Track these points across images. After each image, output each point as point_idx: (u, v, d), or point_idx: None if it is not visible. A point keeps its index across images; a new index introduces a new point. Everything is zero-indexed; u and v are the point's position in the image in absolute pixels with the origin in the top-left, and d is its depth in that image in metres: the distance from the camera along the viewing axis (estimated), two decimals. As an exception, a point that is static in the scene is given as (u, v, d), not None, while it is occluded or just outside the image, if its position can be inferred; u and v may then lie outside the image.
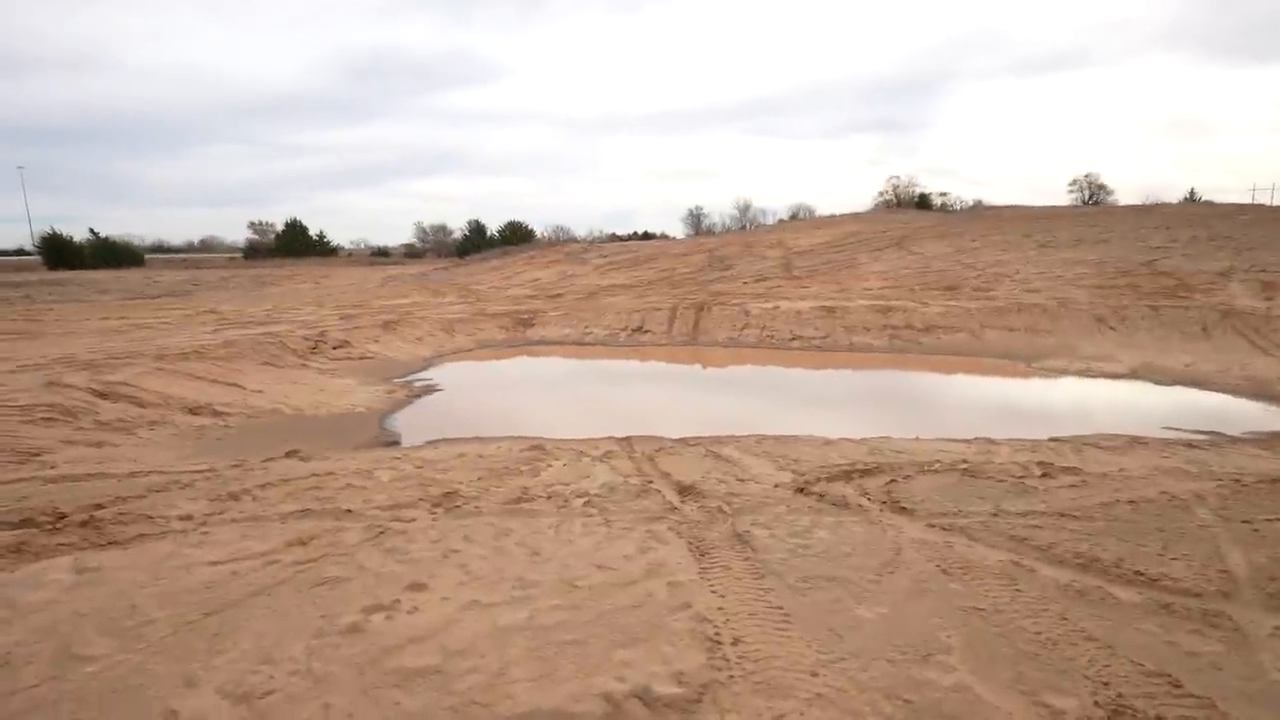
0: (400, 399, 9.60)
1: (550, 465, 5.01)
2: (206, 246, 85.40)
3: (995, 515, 3.60)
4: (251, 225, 62.33)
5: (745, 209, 56.41)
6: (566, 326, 15.25)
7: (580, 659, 2.23)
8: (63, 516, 3.79)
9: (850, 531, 3.41)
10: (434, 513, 3.76)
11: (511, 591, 2.71)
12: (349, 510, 3.76)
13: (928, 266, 18.06)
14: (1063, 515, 3.58)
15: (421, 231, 65.36)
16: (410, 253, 62.19)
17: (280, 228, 59.47)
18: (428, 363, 12.42)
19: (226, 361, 10.60)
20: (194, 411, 8.35)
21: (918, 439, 5.83)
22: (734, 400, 9.99)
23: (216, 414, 8.42)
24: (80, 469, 5.67)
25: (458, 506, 3.86)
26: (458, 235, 59.20)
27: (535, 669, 2.18)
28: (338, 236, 67.02)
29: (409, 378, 11.14)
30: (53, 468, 5.74)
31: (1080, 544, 3.18)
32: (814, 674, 2.17)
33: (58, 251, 45.08)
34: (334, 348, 12.67)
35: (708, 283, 18.76)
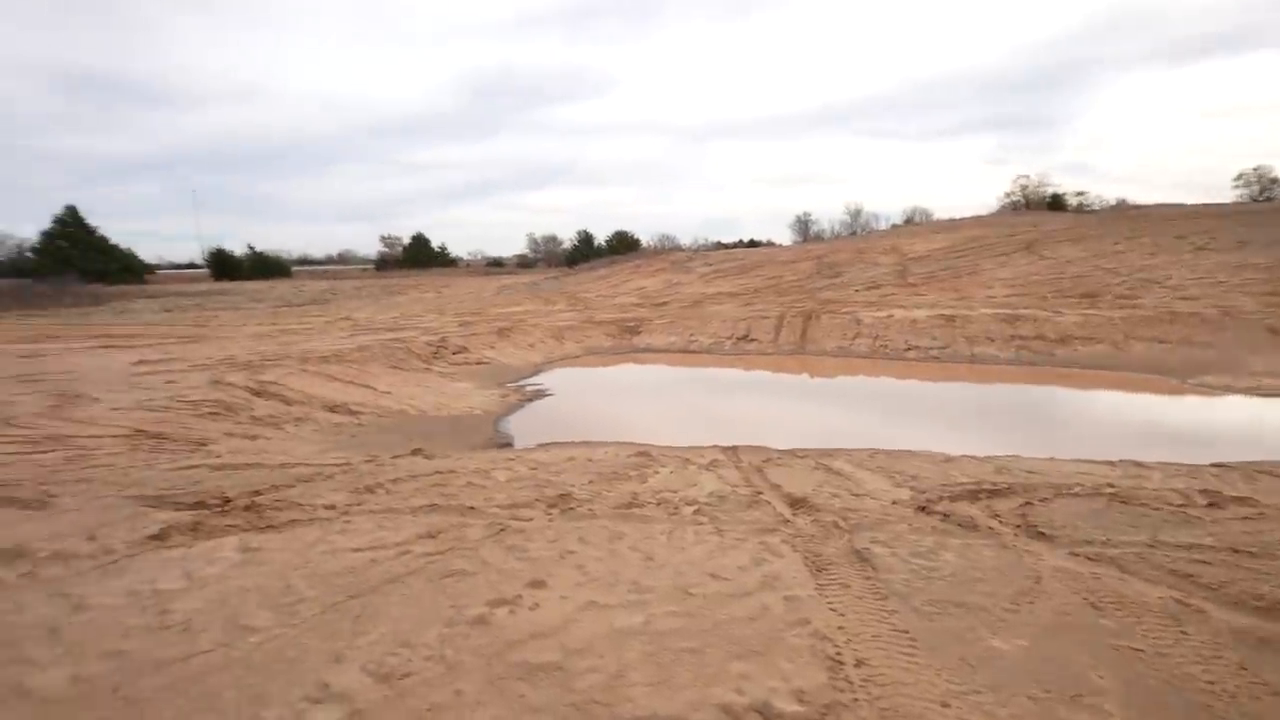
0: (513, 403, 10.02)
1: (657, 472, 5.03)
2: (343, 259, 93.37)
3: (1152, 547, 3.24)
4: (382, 239, 67.57)
5: (856, 214, 54.53)
6: (672, 334, 15.34)
7: (697, 668, 2.22)
8: (228, 501, 4.23)
9: (980, 555, 3.19)
10: (549, 513, 3.87)
11: (627, 595, 2.75)
12: (472, 507, 3.96)
13: (1061, 272, 16.66)
14: (1236, 551, 3.16)
15: (533, 242, 68.13)
16: (523, 263, 64.93)
17: (407, 241, 64.06)
18: (538, 368, 12.88)
19: (360, 365, 11.49)
20: (332, 410, 9.10)
21: (1052, 459, 5.37)
22: (843, 412, 9.64)
23: (351, 413, 9.13)
24: (240, 459, 6.30)
25: (572, 509, 3.96)
26: (567, 245, 61.17)
27: (653, 674, 2.18)
28: (457, 248, 71.19)
29: (521, 382, 11.61)
30: (218, 457, 6.42)
31: (1260, 585, 2.79)
32: (945, 705, 2.04)
33: (222, 264, 50.99)
34: (453, 353, 13.43)
35: (816, 290, 18.26)
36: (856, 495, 4.29)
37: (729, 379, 12.14)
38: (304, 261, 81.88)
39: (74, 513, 3.91)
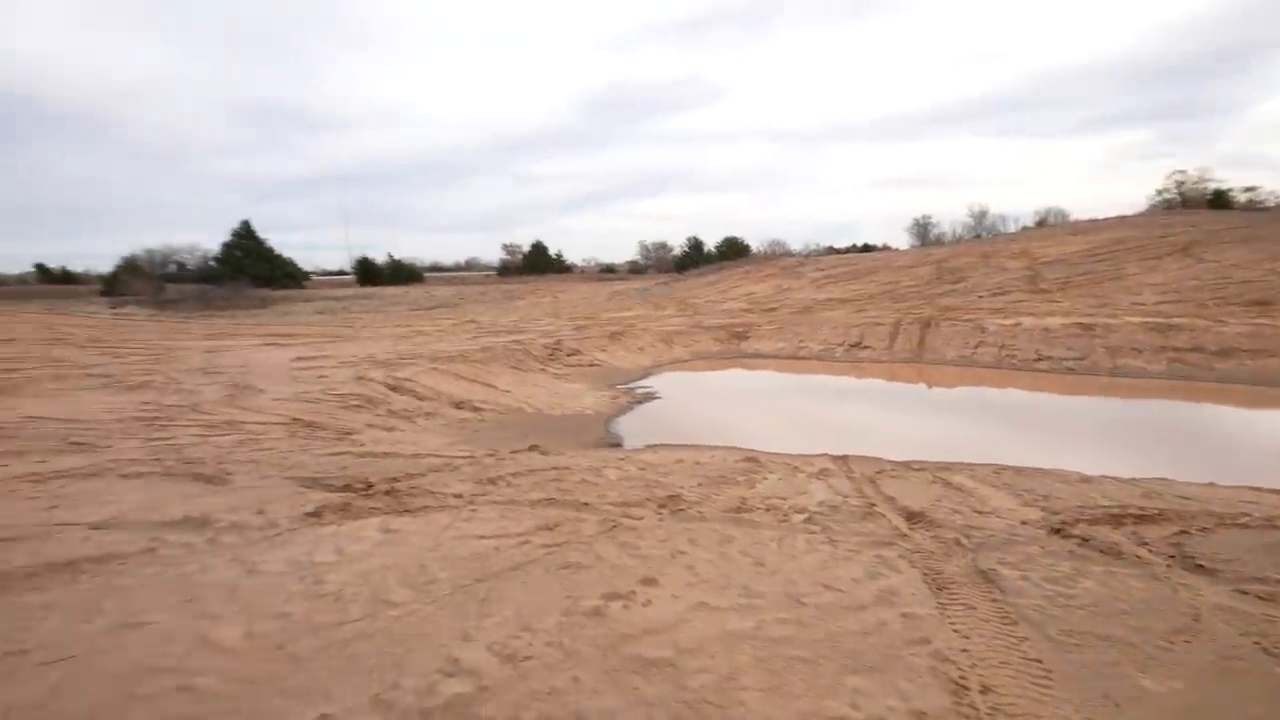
0: (623, 404, 10.20)
1: (765, 478, 4.95)
2: (469, 265, 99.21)
3: (1344, 590, 2.80)
4: (504, 247, 71.06)
5: (981, 216, 50.92)
6: (780, 340, 15.03)
7: (810, 678, 2.17)
8: (371, 485, 4.61)
9: (1126, 586, 2.88)
10: (660, 513, 3.91)
11: (738, 599, 2.72)
12: (586, 503, 4.07)
13: (1226, 277, 14.75)
14: None
15: (644, 249, 69.10)
16: (634, 269, 66.05)
17: (526, 248, 67.04)
18: (647, 371, 13.04)
19: (482, 364, 12.13)
20: (458, 406, 9.67)
21: (1212, 485, 4.76)
22: (963, 424, 9.03)
23: (475, 409, 9.66)
24: (379, 448, 6.83)
25: (682, 510, 3.98)
26: (677, 252, 61.54)
27: (765, 680, 2.15)
28: (572, 255, 73.50)
29: (630, 385, 11.80)
30: (361, 445, 6.99)
31: None
32: (1086, 744, 1.86)
33: (366, 271, 55.67)
34: (568, 355, 13.88)
35: (935, 296, 17.25)
36: (980, 513, 4.01)
37: (839, 386, 11.72)
38: (435, 268, 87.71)
39: (246, 489, 4.41)
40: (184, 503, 4.00)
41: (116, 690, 2.14)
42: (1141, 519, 3.83)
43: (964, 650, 2.35)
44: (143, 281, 37.92)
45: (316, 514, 3.78)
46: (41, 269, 63.26)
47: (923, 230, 53.02)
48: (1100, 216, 29.24)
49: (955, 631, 2.48)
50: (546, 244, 66.80)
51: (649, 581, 2.87)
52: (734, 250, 49.67)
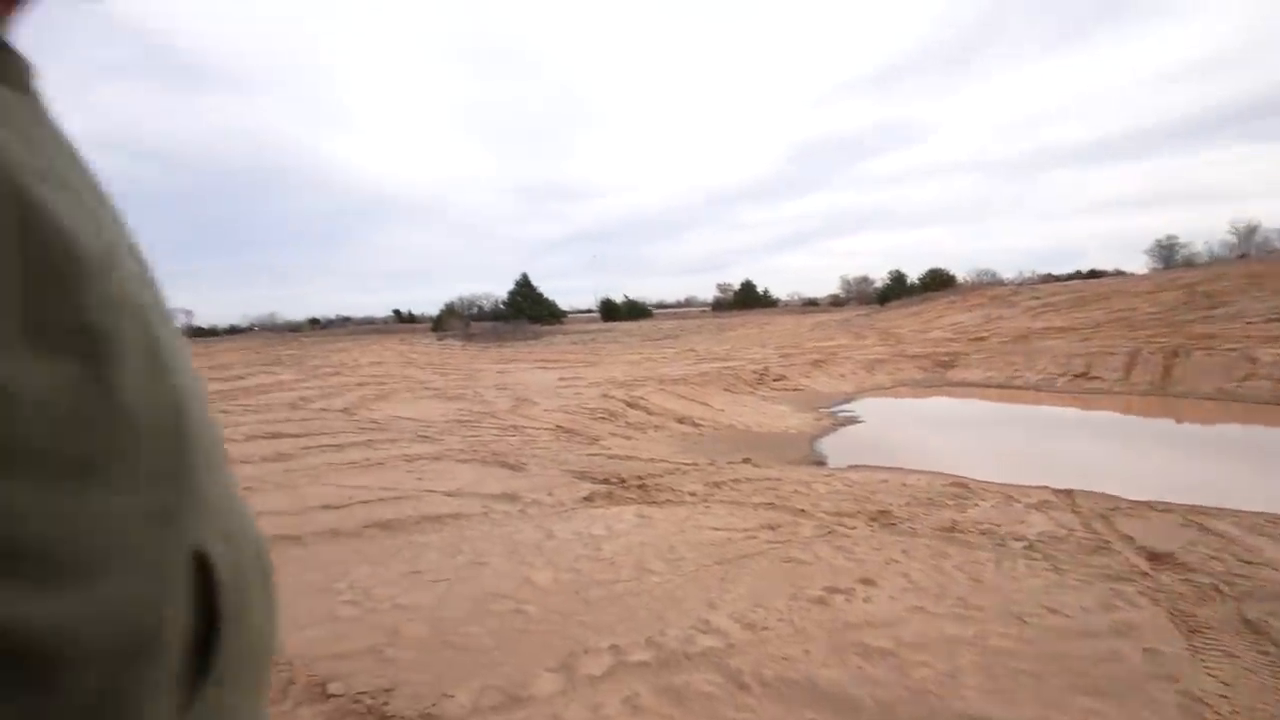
0: (826, 426, 9.90)
1: (977, 504, 4.53)
2: (688, 303, 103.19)
3: None
4: (718, 285, 72.81)
5: (1248, 233, 39.96)
6: (990, 369, 13.35)
7: (1036, 689, 2.02)
8: (623, 480, 5.15)
9: None
10: (871, 525, 3.83)
11: (954, 608, 2.61)
12: (802, 510, 4.13)
13: None
14: None
15: (845, 283, 65.86)
16: (835, 302, 63.22)
17: (737, 286, 67.88)
18: (849, 397, 12.46)
19: (700, 387, 12.61)
20: (680, 421, 10.18)
21: None
22: (1224, 466, 7.20)
23: (694, 425, 10.09)
24: (622, 452, 7.49)
25: (893, 524, 3.84)
26: (878, 284, 57.59)
27: (987, 682, 2.06)
28: (777, 290, 72.78)
29: (833, 408, 11.38)
30: (608, 450, 7.73)
31: None
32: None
33: (608, 309, 60.85)
34: (774, 380, 13.82)
35: (1185, 323, 14.00)
36: (1248, 562, 3.26)
37: (1060, 418, 10.07)
38: (660, 305, 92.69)
39: (537, 476, 5.21)
40: (499, 482, 4.88)
41: (476, 605, 2.75)
42: None
43: (1223, 696, 2.00)
44: (457, 320, 46.06)
45: (589, 498, 4.37)
46: (396, 312, 79.75)
47: (1167, 252, 43.08)
48: None
49: (1212, 676, 2.11)
50: (755, 281, 67.09)
51: (867, 581, 2.86)
52: (938, 281, 44.94)
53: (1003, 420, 10.37)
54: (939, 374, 13.97)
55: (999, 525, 3.93)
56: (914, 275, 50.85)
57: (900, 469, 6.62)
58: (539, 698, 2.04)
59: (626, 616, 2.59)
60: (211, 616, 0.45)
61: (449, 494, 4.50)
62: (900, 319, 24.47)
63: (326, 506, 4.26)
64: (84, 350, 0.39)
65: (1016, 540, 3.60)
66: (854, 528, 3.76)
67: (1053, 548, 3.45)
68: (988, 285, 34.41)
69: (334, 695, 2.08)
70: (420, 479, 5.13)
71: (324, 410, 9.63)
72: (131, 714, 0.29)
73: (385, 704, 2.01)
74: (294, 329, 70.47)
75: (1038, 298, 21.39)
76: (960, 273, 50.77)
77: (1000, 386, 12.43)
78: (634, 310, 61.08)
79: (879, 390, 13.14)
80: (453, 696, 2.05)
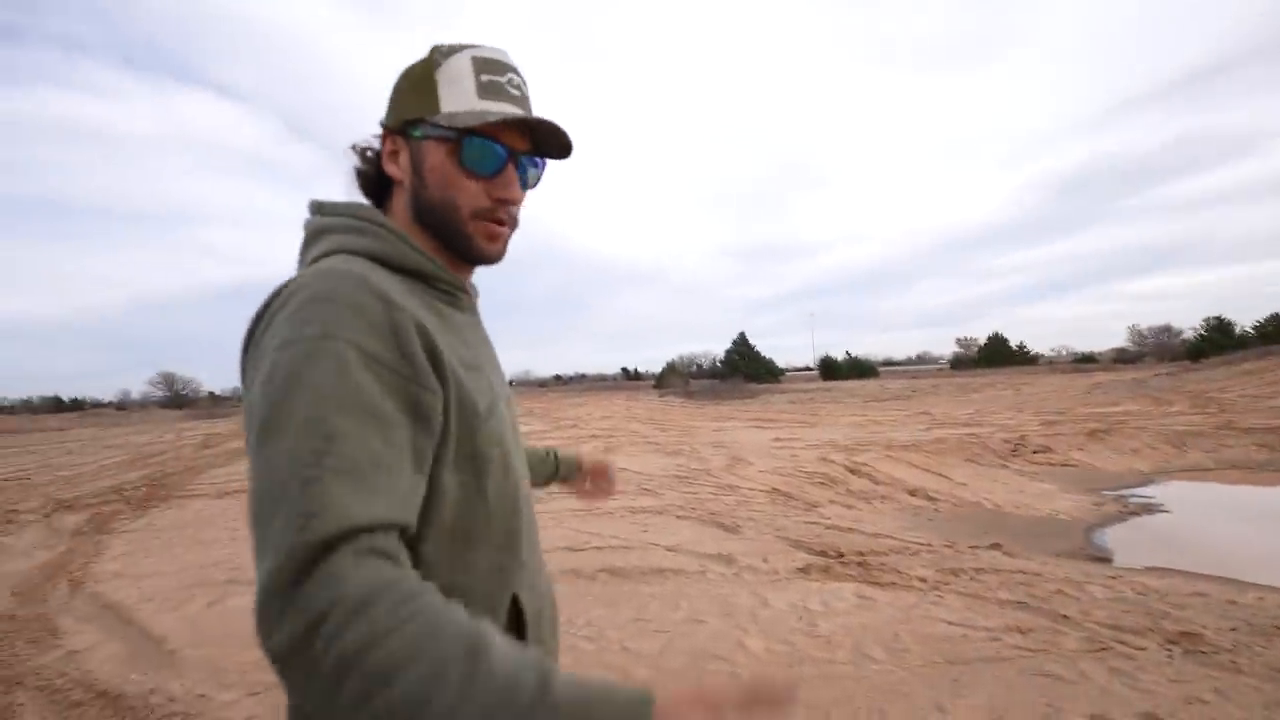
0: (1110, 513, 8.11)
1: (1364, 644, 3.32)
2: (921, 359, 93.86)
3: None
4: (957, 340, 65.00)
5: None
6: (1390, 453, 9.60)
7: None
8: (842, 555, 4.93)
9: None
10: (1168, 649, 3.09)
11: (1298, 781, 1.99)
12: (1065, 616, 3.51)
13: None
14: None
15: (1136, 334, 53.38)
16: (1120, 358, 51.70)
17: (982, 341, 59.82)
18: (1146, 478, 10.04)
19: (936, 455, 11.36)
20: (912, 493, 9.28)
21: None
22: None
23: (929, 498, 9.11)
24: (842, 523, 7.12)
25: (1202, 652, 3.05)
26: (1186, 335, 45.66)
27: None
28: (1037, 345, 62.24)
29: (1121, 491, 9.28)
30: (827, 518, 7.41)
31: None
32: None
33: (827, 367, 58.49)
34: (1033, 451, 11.81)
35: None
36: None
37: None
38: (887, 363, 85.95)
39: (752, 540, 5.28)
40: (715, 542, 5.07)
41: (693, 660, 2.93)
42: None
43: None
44: (677, 378, 48.73)
45: (804, 570, 4.29)
46: (624, 370, 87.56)
47: None
48: None
49: None
50: (1006, 334, 58.26)
51: (1151, 718, 2.34)
52: (1288, 328, 33.85)
53: None
54: (1295, 455, 10.49)
55: (1397, 680, 2.85)
56: (1245, 323, 39.19)
57: (1230, 580, 5.15)
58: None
59: (843, 700, 2.52)
60: (523, 639, 0.78)
61: (669, 549, 4.82)
62: (1226, 380, 19.01)
63: (569, 549, 4.90)
64: (475, 469, 0.74)
65: None
66: (1142, 648, 3.08)
67: None
68: (1383, 332, 25.02)
69: None
70: (644, 531, 5.57)
71: (564, 459, 10.99)
72: None
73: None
74: (541, 384, 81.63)
75: None
76: (1331, 316, 37.64)
77: None
78: (857, 368, 57.46)
79: (1194, 472, 10.36)
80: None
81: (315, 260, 0.71)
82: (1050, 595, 3.98)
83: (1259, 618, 3.74)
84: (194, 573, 4.64)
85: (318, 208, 0.77)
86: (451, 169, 0.75)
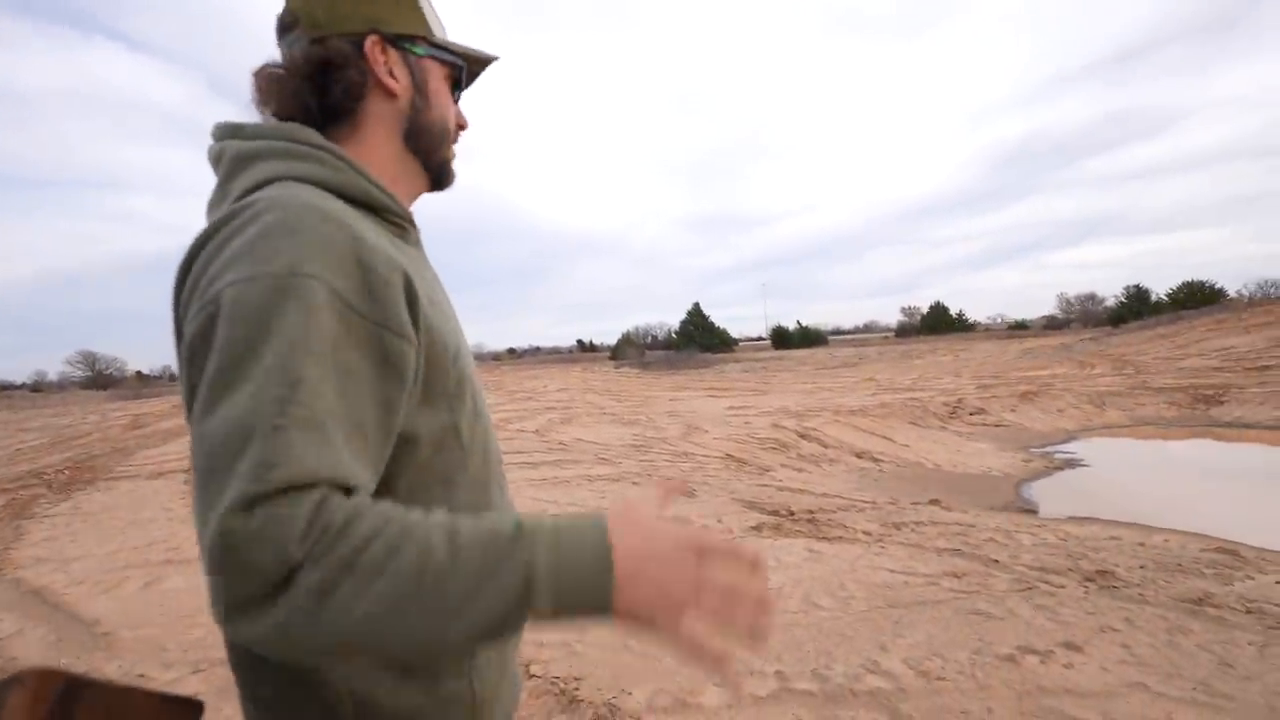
0: (1037, 469, 8.69)
1: (1251, 578, 3.71)
2: (868, 328, 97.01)
3: None
4: (902, 309, 67.45)
5: None
6: None
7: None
8: (793, 513, 5.12)
9: None
10: (1085, 586, 3.36)
11: (1194, 693, 2.22)
12: (996, 560, 3.77)
13: None
14: None
15: (1064, 302, 56.57)
16: (1050, 325, 54.80)
17: (925, 310, 62.22)
18: (1070, 436, 10.78)
19: (881, 419, 11.84)
20: (858, 455, 9.68)
21: None
22: None
23: (874, 459, 9.52)
24: (792, 485, 7.38)
25: (1115, 588, 3.33)
26: (1109, 303, 48.70)
27: (1228, 783, 1.76)
28: (975, 313, 65.42)
29: (1047, 449, 9.94)
30: (778, 481, 7.66)
31: None
32: None
33: (779, 337, 59.71)
34: (970, 414, 12.47)
35: None
36: None
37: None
38: (836, 332, 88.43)
39: (707, 502, 5.41)
40: (672, 506, 5.16)
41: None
42: None
43: None
44: (632, 349, 48.77)
45: (757, 528, 4.44)
46: (579, 342, 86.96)
47: None
48: None
49: None
50: (946, 304, 60.80)
51: (1071, 647, 2.56)
52: (1196, 296, 36.55)
53: (1299, 473, 8.17)
54: (1199, 411, 11.46)
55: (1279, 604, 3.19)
56: (1160, 290, 42.13)
57: (1140, 525, 5.62)
58: (707, 707, 2.20)
59: (793, 646, 2.65)
60: None
61: (626, 513, 4.89)
62: (1142, 343, 20.47)
63: (524, 516, 4.90)
64: (448, 407, 0.71)
65: (1301, 625, 2.90)
66: (1062, 586, 3.34)
67: (1357, 640, 2.72)
68: (1276, 300, 27.28)
69: (534, 675, 2.46)
70: (602, 498, 5.63)
71: (520, 431, 10.92)
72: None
73: (576, 689, 2.33)
74: (496, 357, 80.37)
75: (1359, 314, 16.55)
76: (1231, 285, 40.84)
77: (1295, 430, 9.82)
78: (807, 337, 58.94)
79: (1112, 429, 11.18)
80: (630, 694, 2.30)
81: (249, 191, 0.61)
82: (983, 543, 4.26)
83: (1165, 557, 4.12)
84: (127, 554, 4.42)
85: (234, 130, 0.67)
86: (445, 92, 0.77)
